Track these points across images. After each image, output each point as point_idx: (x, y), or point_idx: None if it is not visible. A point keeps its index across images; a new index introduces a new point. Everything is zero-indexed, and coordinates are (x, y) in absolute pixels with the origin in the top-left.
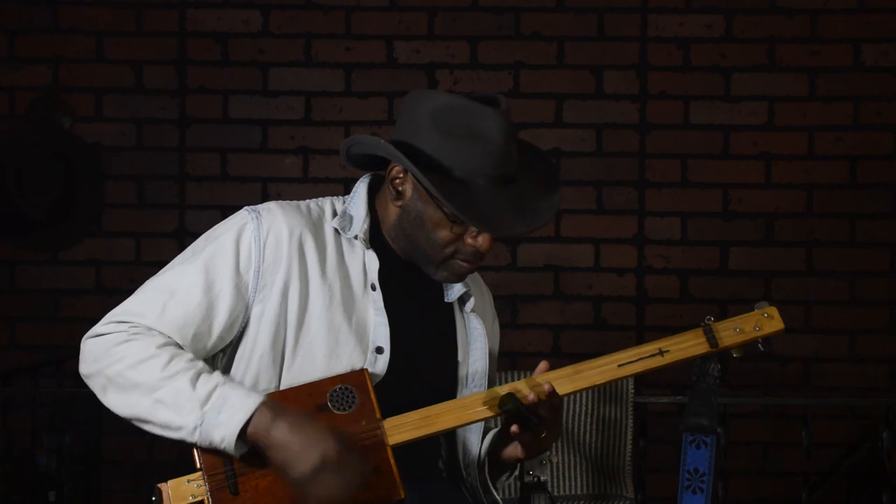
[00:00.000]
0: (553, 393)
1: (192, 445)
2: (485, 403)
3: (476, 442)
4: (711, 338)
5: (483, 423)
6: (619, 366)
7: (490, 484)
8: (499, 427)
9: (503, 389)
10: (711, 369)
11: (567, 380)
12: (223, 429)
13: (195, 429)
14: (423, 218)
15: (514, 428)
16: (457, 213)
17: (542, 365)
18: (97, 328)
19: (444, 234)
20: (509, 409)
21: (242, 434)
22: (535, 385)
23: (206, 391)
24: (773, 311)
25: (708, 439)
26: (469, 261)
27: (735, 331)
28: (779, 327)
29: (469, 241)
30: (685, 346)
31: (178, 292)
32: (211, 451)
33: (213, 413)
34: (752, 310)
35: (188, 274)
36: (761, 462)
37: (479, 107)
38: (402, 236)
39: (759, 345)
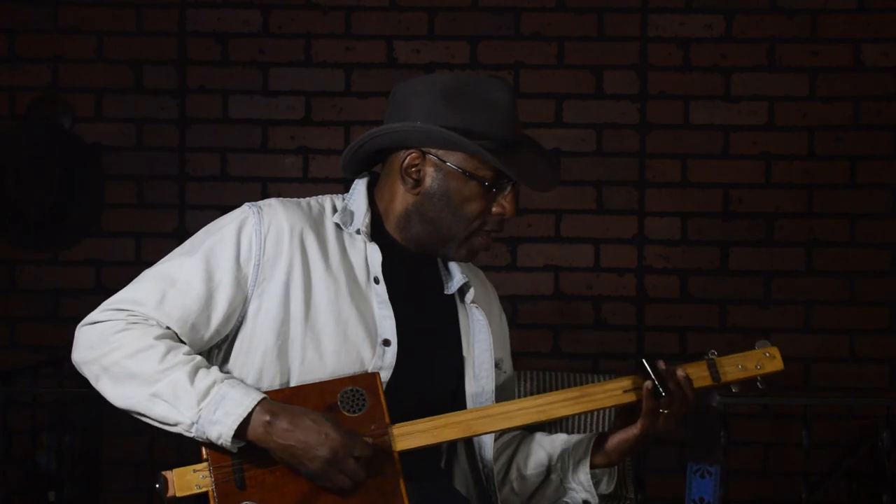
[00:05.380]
0: (687, 379)
1: (191, 439)
2: (493, 416)
3: (490, 436)
4: (714, 372)
5: (493, 434)
6: (625, 392)
7: (588, 476)
8: (591, 433)
9: (516, 404)
10: (712, 400)
11: (574, 402)
12: (220, 426)
13: (192, 424)
14: (450, 195)
15: (647, 384)
16: (508, 173)
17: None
18: (94, 315)
19: (472, 206)
20: (648, 365)
21: (240, 432)
22: (671, 366)
23: (204, 386)
24: (775, 351)
25: (712, 469)
26: (494, 229)
27: (738, 367)
28: (779, 367)
29: (496, 209)
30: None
31: (177, 282)
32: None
33: (210, 409)
34: (755, 347)
35: (188, 265)
36: (761, 462)
37: (483, 79)
38: (419, 222)
39: (758, 383)
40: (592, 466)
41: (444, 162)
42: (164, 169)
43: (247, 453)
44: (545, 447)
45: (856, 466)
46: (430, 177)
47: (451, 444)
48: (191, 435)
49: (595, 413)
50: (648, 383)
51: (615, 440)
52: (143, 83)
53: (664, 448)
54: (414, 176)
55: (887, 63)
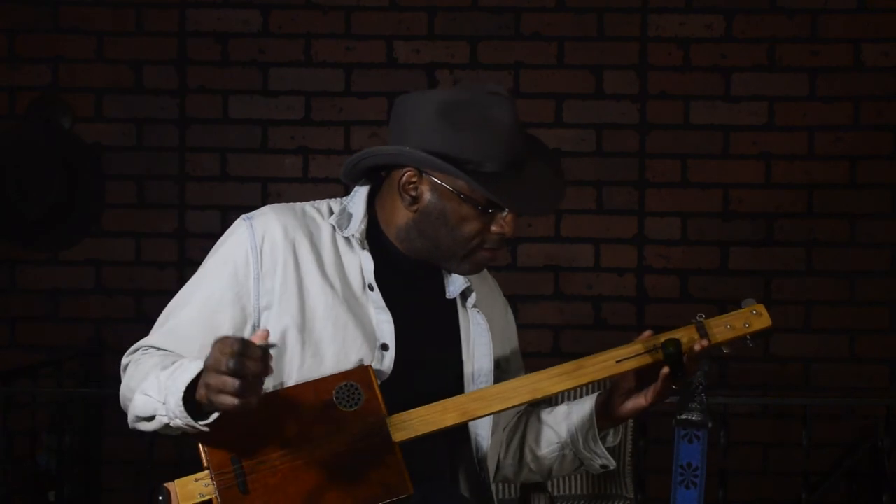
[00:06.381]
0: (706, 350)
1: (196, 443)
2: (488, 399)
3: (486, 438)
4: (704, 334)
5: (492, 417)
6: (617, 362)
7: (599, 444)
8: (599, 391)
9: (510, 384)
10: (701, 365)
11: (567, 376)
12: (175, 395)
13: (162, 405)
14: (447, 215)
15: (665, 370)
16: (500, 202)
17: (647, 333)
18: (123, 360)
19: (470, 227)
20: (671, 352)
21: (190, 397)
22: (692, 339)
23: (171, 370)
24: (762, 308)
25: (700, 433)
26: (493, 248)
27: (726, 327)
28: (767, 324)
29: (495, 229)
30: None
31: (183, 309)
32: (216, 449)
33: (170, 383)
34: (741, 306)
35: (191, 291)
36: (761, 462)
37: (484, 96)
38: (419, 238)
39: (748, 341)
40: (600, 431)
41: (441, 183)
42: (164, 169)
43: (246, 456)
44: (551, 424)
45: (856, 466)
46: (427, 196)
47: (455, 450)
48: (168, 419)
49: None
50: (666, 370)
51: (623, 409)
52: (143, 83)
53: (664, 448)
54: (412, 193)
55: (887, 63)
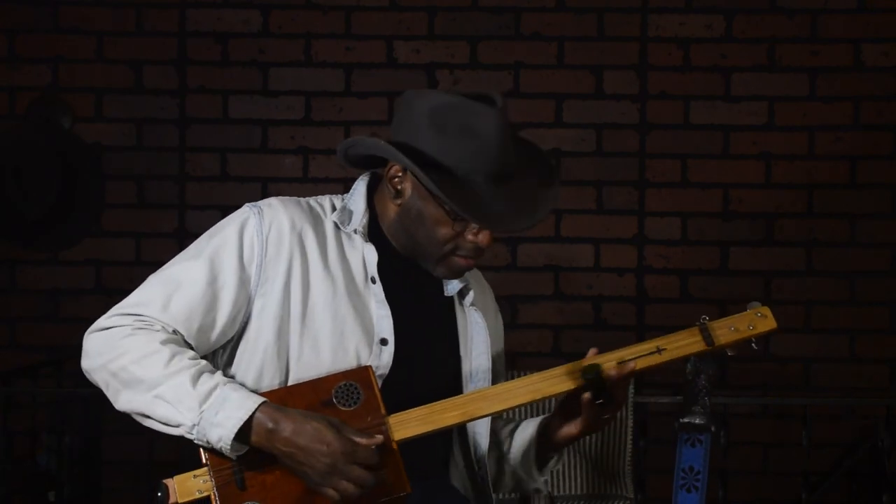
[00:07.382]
0: (631, 374)
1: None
2: (489, 398)
3: (485, 436)
4: (707, 336)
5: (490, 418)
6: (619, 364)
7: (537, 470)
8: (546, 414)
9: (511, 384)
10: (705, 368)
11: (568, 377)
12: (220, 429)
13: (193, 427)
14: (424, 215)
15: (586, 396)
16: (458, 211)
17: (592, 351)
18: (102, 321)
19: (444, 230)
20: (591, 378)
21: (241, 435)
22: (617, 364)
23: (206, 389)
24: (766, 310)
25: (703, 437)
26: (468, 256)
27: (730, 329)
28: (772, 326)
29: (469, 237)
30: (682, 343)
31: (182, 285)
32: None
33: (211, 412)
34: (746, 309)
35: (193, 267)
36: (761, 462)
37: (475, 105)
38: (402, 233)
39: (752, 343)
40: (543, 456)
41: (419, 182)
42: (164, 169)
43: (245, 455)
44: (500, 438)
45: (856, 466)
46: (409, 192)
47: (448, 446)
48: (192, 437)
49: None
50: (587, 396)
51: (559, 435)
52: (143, 83)
53: (664, 448)
54: (397, 187)
55: (887, 63)
